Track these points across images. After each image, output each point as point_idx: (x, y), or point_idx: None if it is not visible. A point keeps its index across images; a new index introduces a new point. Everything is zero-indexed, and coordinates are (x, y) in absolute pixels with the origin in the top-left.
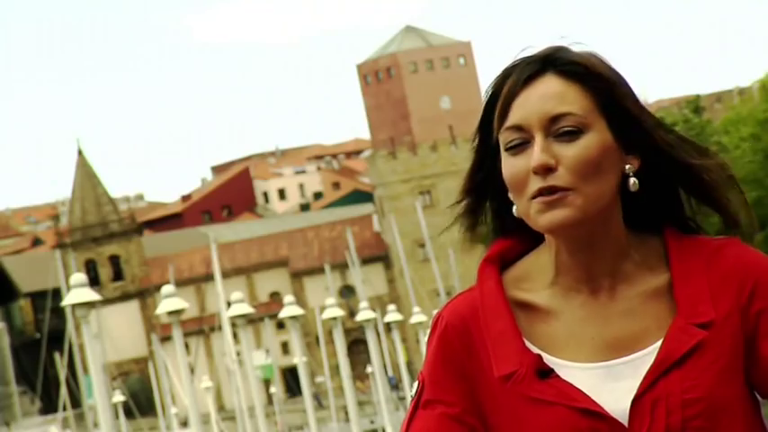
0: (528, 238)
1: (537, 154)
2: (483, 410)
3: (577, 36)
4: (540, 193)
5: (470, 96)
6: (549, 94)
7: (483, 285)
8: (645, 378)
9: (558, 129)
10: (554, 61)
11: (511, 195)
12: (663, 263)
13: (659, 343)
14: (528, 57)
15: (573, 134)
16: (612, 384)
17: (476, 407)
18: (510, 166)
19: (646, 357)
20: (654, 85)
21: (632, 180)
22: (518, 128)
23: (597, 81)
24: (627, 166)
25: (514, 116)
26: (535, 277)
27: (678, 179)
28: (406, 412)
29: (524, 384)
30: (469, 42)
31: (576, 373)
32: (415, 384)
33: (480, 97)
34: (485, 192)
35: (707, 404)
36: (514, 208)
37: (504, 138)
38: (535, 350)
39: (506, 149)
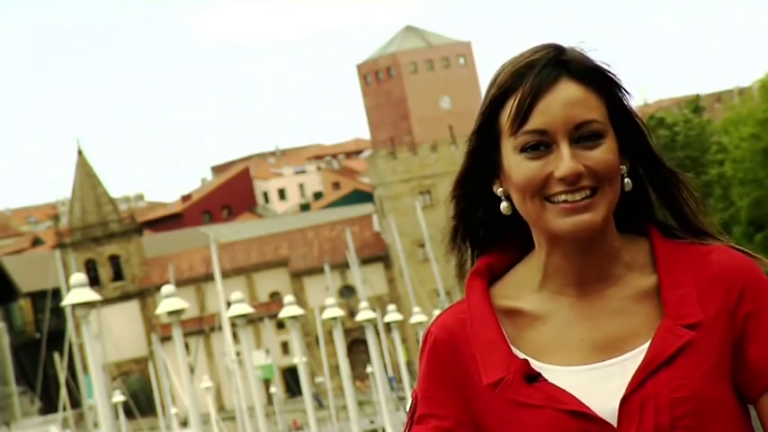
0: (514, 250)
1: (567, 161)
2: (477, 420)
3: (577, 36)
4: (565, 197)
5: (470, 96)
6: (572, 101)
7: (470, 298)
8: (633, 378)
9: (581, 134)
10: (567, 65)
11: (517, 195)
12: (650, 265)
13: (647, 344)
14: (541, 56)
15: (594, 140)
16: (601, 385)
17: (470, 418)
18: (526, 169)
19: (634, 358)
20: (654, 85)
21: (627, 180)
22: (540, 132)
23: (609, 87)
24: (622, 167)
25: (537, 121)
26: (523, 284)
27: (659, 183)
28: (404, 427)
29: (512, 390)
30: (469, 42)
31: (564, 375)
32: (410, 400)
33: (481, 97)
34: (476, 196)
35: (695, 404)
36: (503, 205)
37: (521, 140)
38: (522, 356)
39: (521, 151)
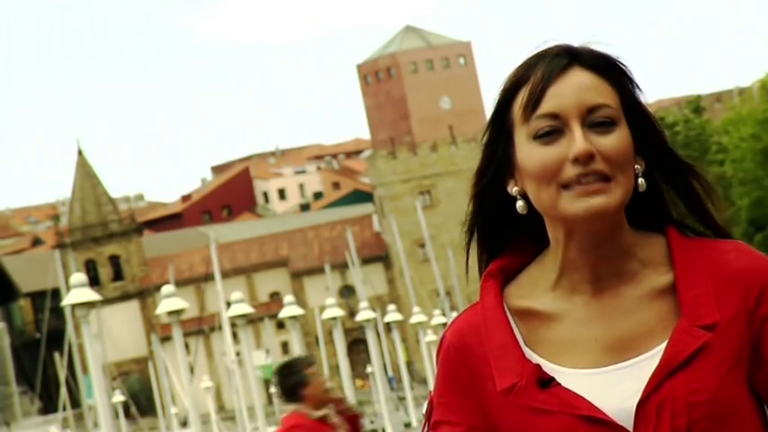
0: (527, 251)
1: (580, 141)
2: (492, 425)
3: (577, 36)
4: (579, 180)
5: (470, 96)
6: (584, 85)
7: (484, 300)
8: (650, 380)
9: (594, 120)
10: (579, 55)
11: (532, 186)
12: (666, 263)
13: (663, 345)
14: (552, 49)
15: (607, 126)
16: (616, 387)
17: (484, 423)
18: (540, 154)
19: (650, 360)
20: (654, 85)
21: (641, 181)
22: (553, 116)
23: (621, 78)
24: (636, 167)
25: (549, 104)
26: (537, 283)
27: (677, 182)
28: (421, 427)
29: (526, 395)
30: (469, 42)
31: (578, 378)
32: (426, 405)
33: (481, 97)
34: (491, 194)
35: (712, 407)
36: (519, 204)
37: (534, 126)
38: (536, 359)
39: (535, 138)
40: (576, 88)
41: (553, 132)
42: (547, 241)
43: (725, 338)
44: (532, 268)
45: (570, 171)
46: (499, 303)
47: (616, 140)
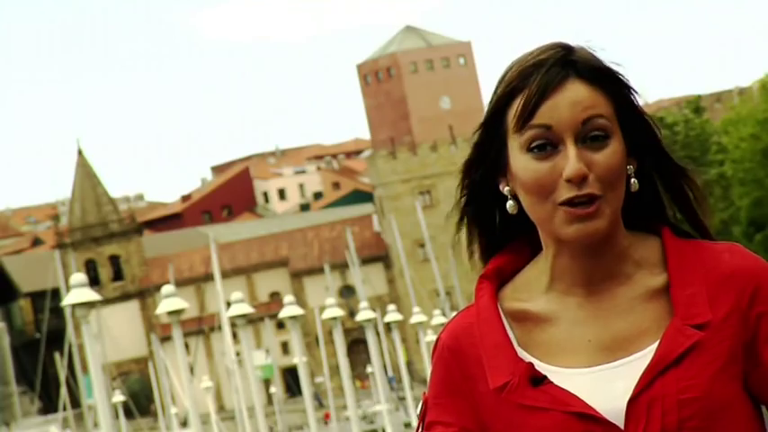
0: (523, 252)
1: (573, 163)
2: (484, 426)
3: (577, 36)
4: (572, 202)
5: (470, 96)
6: (579, 100)
7: (478, 302)
8: (641, 378)
9: (587, 134)
10: (575, 64)
11: (526, 198)
12: (661, 264)
13: (656, 344)
14: (549, 56)
15: (601, 140)
16: (608, 386)
17: (476, 424)
18: (534, 169)
19: (642, 359)
20: (654, 85)
21: (633, 181)
22: (546, 129)
23: (617, 87)
24: (629, 167)
25: (543, 117)
26: (531, 285)
27: (670, 182)
28: (415, 429)
29: (518, 393)
30: (469, 42)
31: (571, 377)
32: (420, 405)
33: (481, 97)
34: (482, 189)
35: (703, 404)
36: (509, 204)
37: (527, 137)
38: (528, 358)
39: (528, 150)
40: (570, 102)
41: (547, 146)
42: (541, 243)
43: (717, 337)
44: (527, 271)
45: (565, 192)
46: (494, 305)
47: (609, 156)
